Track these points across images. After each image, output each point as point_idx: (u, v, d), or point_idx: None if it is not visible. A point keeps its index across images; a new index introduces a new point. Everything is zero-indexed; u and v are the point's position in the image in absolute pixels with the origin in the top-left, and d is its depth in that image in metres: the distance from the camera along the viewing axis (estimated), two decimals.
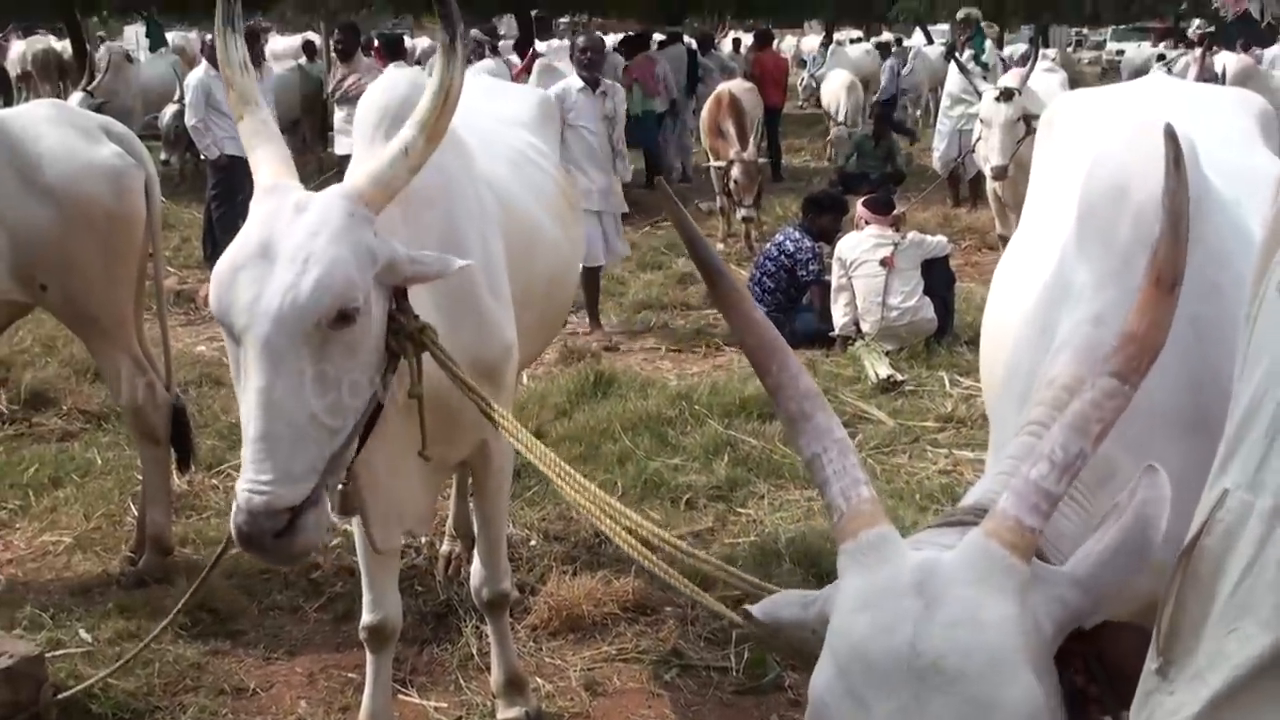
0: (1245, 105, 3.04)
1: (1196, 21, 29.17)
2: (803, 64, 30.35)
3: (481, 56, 12.07)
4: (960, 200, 12.96)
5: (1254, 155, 2.71)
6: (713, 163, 11.49)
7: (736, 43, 24.35)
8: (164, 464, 4.77)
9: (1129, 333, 1.61)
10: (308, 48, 18.59)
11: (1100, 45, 42.49)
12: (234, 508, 2.40)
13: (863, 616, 1.51)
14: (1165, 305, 1.61)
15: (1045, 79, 10.71)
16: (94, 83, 12.35)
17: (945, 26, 24.25)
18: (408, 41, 14.90)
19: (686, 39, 18.17)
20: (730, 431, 6.10)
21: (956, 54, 12.34)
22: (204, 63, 10.45)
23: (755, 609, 1.75)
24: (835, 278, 7.90)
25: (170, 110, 12.31)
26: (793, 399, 1.71)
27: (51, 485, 5.50)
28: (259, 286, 2.34)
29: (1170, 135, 1.66)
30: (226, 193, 9.87)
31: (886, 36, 28.11)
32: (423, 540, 4.81)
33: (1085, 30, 45.25)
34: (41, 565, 4.79)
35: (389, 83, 3.19)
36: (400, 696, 3.90)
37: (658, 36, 19.02)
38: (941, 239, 8.30)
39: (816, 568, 4.51)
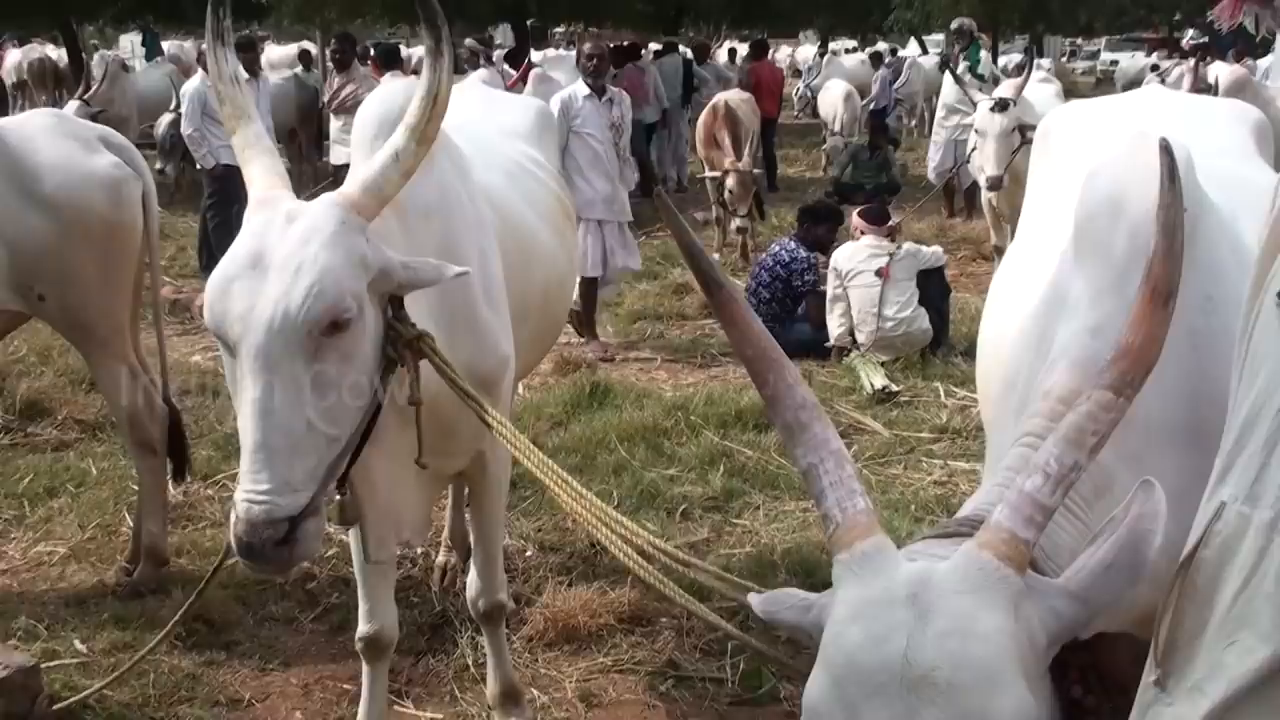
0: (1241, 117, 3.06)
1: (1190, 32, 29.29)
2: (798, 74, 30.46)
3: (476, 66, 12.06)
4: (955, 211, 12.99)
5: (1250, 167, 2.73)
6: (708, 173, 11.50)
7: (732, 53, 24.44)
8: (160, 474, 4.76)
9: (1124, 346, 1.62)
10: (304, 57, 18.67)
11: (1094, 55, 42.71)
12: (233, 518, 2.40)
13: (856, 627, 1.52)
14: (1160, 318, 1.62)
15: (1040, 89, 10.77)
16: (90, 92, 12.37)
17: (940, 37, 24.33)
18: (404, 51, 14.91)
19: (682, 49, 18.22)
20: (726, 442, 6.10)
21: (951, 65, 12.37)
22: (200, 72, 10.48)
23: (756, 604, 1.76)
24: (830, 288, 7.91)
25: (166, 119, 12.31)
26: (790, 409, 1.72)
27: (46, 495, 5.49)
28: (252, 297, 2.35)
29: (1165, 149, 1.67)
30: (222, 202, 9.88)
31: (881, 46, 28.19)
32: (418, 551, 4.80)
33: (1079, 41, 45.45)
34: (36, 576, 4.78)
35: (386, 93, 3.20)
36: (396, 708, 3.89)
37: (654, 46, 19.07)
38: (937, 249, 8.32)
39: (812, 579, 4.51)
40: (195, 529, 5.16)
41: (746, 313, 1.80)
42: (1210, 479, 1.52)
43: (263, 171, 2.57)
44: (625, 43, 16.51)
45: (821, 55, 29.03)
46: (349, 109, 10.45)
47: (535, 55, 16.54)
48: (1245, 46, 17.13)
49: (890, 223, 8.36)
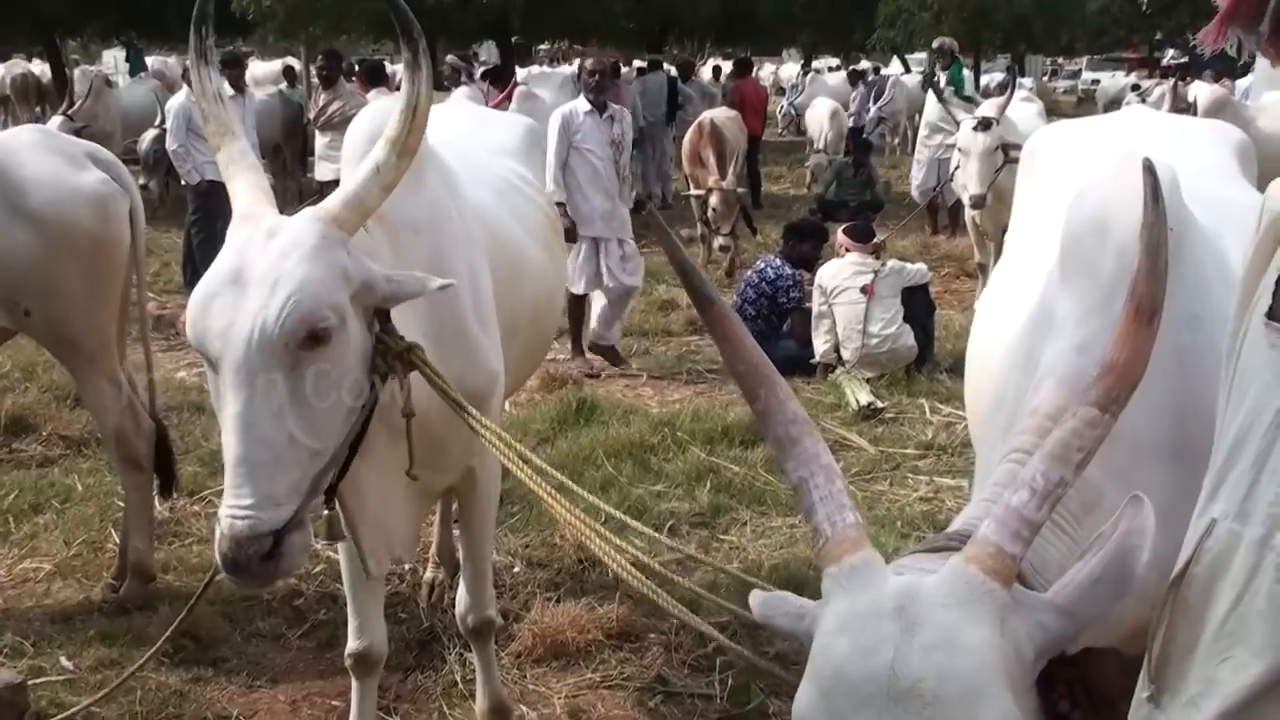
0: (1224, 137, 3.11)
1: (1170, 52, 29.55)
2: (782, 92, 30.60)
3: (458, 83, 12.06)
4: (939, 228, 13.06)
5: (1233, 187, 2.76)
6: (692, 191, 11.53)
7: (717, 70, 24.54)
8: (146, 490, 4.75)
9: (1109, 363, 1.64)
10: (288, 73, 18.67)
11: (1075, 75, 43.06)
12: (217, 534, 2.40)
13: (844, 639, 1.54)
14: (1144, 335, 1.64)
15: (1022, 108, 10.83)
16: (74, 107, 12.36)
17: (923, 55, 24.49)
18: (389, 67, 14.92)
19: (667, 66, 18.28)
20: (713, 458, 6.12)
21: (934, 84, 12.45)
22: (185, 88, 10.47)
23: (755, 604, 1.77)
24: (816, 305, 7.94)
25: (150, 135, 12.32)
26: (780, 424, 1.74)
27: (31, 511, 5.47)
28: (232, 312, 2.35)
29: (1149, 169, 1.70)
30: (207, 218, 9.87)
31: (865, 64, 28.35)
32: (406, 567, 4.80)
33: (1061, 60, 45.79)
34: (22, 592, 4.76)
35: (377, 110, 3.22)
36: None
37: (638, 63, 19.13)
38: (921, 267, 8.37)
39: (800, 594, 4.51)
40: (181, 545, 5.15)
41: (738, 328, 1.82)
42: (1200, 496, 1.54)
43: (247, 187, 2.58)
44: (612, 60, 16.54)
45: (805, 73, 29.20)
46: (335, 125, 10.48)
47: (520, 73, 16.57)
48: (1224, 68, 17.30)
49: (875, 240, 8.40)
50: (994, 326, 2.70)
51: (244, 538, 2.35)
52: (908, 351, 7.71)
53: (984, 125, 8.83)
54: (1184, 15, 36.38)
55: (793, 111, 25.62)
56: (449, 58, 13.91)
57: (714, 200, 10.73)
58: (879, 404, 7.09)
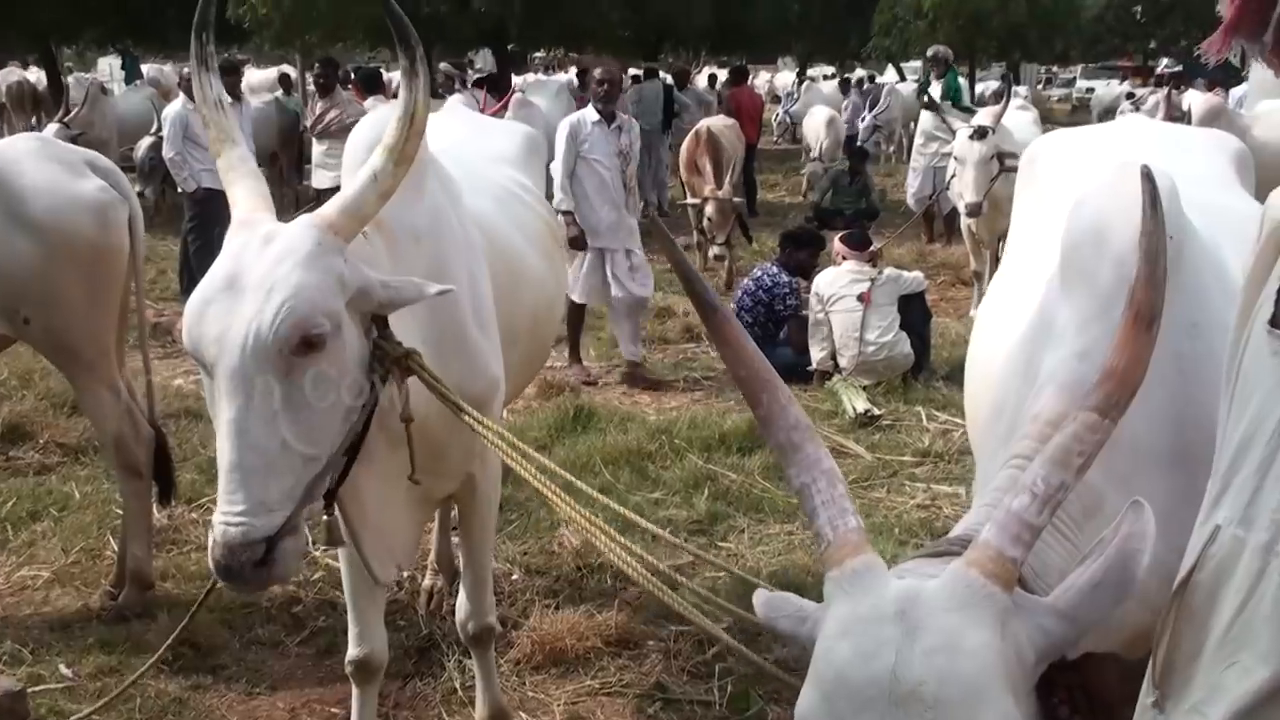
0: (1222, 146, 3.12)
1: (1165, 60, 29.65)
2: (777, 100, 30.67)
3: (451, 91, 12.05)
4: (935, 236, 13.09)
5: (1231, 195, 2.78)
6: (689, 200, 11.52)
7: (712, 78, 24.59)
8: (145, 498, 4.75)
9: (1109, 369, 1.65)
10: (284, 81, 18.66)
11: (1070, 83, 43.14)
12: (210, 540, 2.41)
13: (846, 643, 1.54)
14: (1144, 341, 1.65)
15: (1017, 116, 10.87)
16: (70, 115, 12.36)
17: (918, 64, 24.56)
18: (385, 75, 14.94)
19: (662, 74, 18.32)
20: (710, 466, 6.13)
21: (930, 92, 12.49)
22: (181, 96, 10.47)
23: (759, 603, 1.78)
24: (812, 313, 7.96)
25: (145, 143, 12.32)
26: (783, 430, 1.75)
27: (29, 519, 5.46)
28: (227, 318, 2.36)
29: (1147, 176, 1.71)
30: (203, 225, 9.87)
31: (861, 73, 28.43)
32: (404, 574, 4.80)
33: (1055, 68, 45.90)
34: (20, 600, 4.76)
35: (377, 118, 3.24)
36: None
37: (633, 71, 19.14)
38: (918, 275, 8.38)
39: None
40: (180, 553, 5.15)
41: (741, 334, 1.83)
42: (1204, 502, 1.54)
43: (246, 194, 2.59)
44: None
45: (800, 81, 29.27)
46: (332, 133, 10.48)
47: (515, 80, 16.57)
48: (1218, 77, 17.36)
49: (871, 248, 8.42)
50: (994, 334, 2.70)
51: (236, 544, 2.35)
52: (904, 359, 7.73)
53: (980, 134, 8.88)
54: (1178, 24, 36.56)
55: (788, 120, 25.69)
56: (442, 65, 13.91)
57: (710, 210, 10.73)
58: (876, 411, 7.11)
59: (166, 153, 10.27)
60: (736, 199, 11.17)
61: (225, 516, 2.36)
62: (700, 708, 4.04)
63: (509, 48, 20.99)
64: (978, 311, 3.20)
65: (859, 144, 17.17)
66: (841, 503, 1.70)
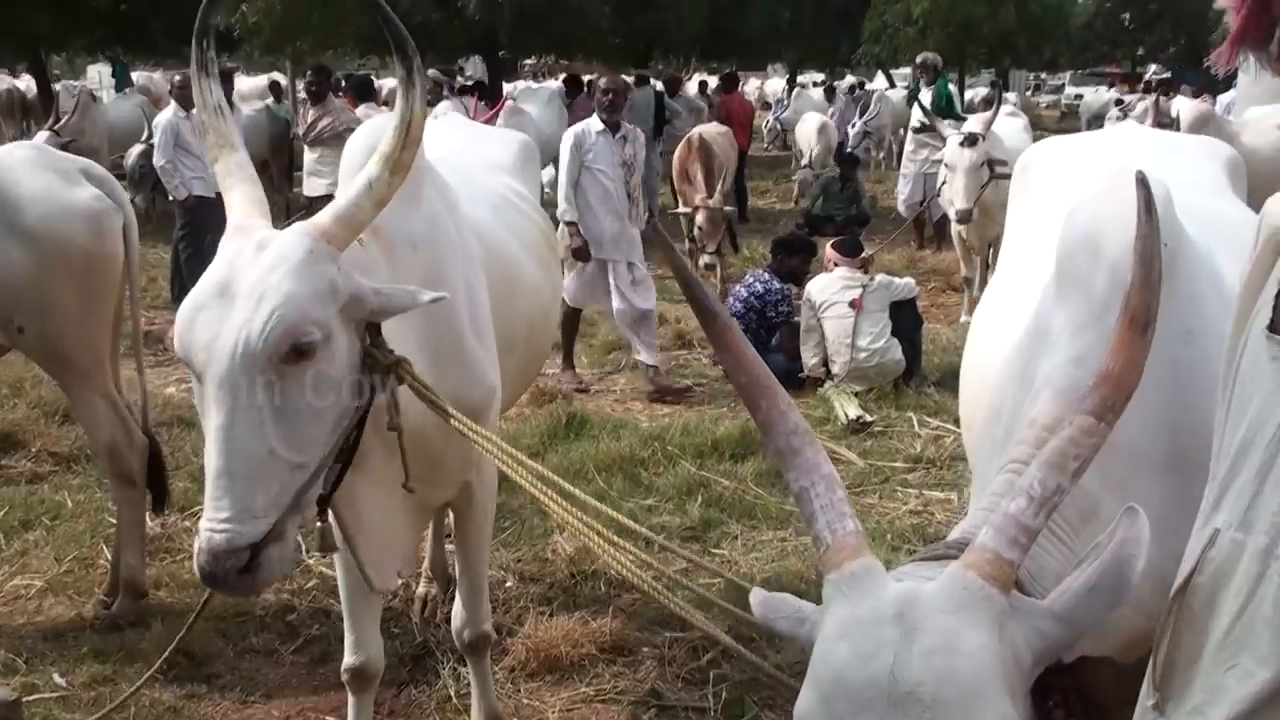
0: (1215, 153, 3.14)
1: (1153, 67, 29.79)
2: (767, 106, 30.72)
3: (439, 98, 12.05)
4: (925, 243, 13.12)
5: (1225, 202, 2.80)
6: (680, 208, 11.51)
7: (703, 85, 24.64)
8: (139, 506, 4.74)
9: (1104, 373, 1.67)
10: (274, 88, 18.67)
11: (1059, 90, 43.35)
12: (196, 546, 2.41)
13: (844, 644, 1.55)
14: (1139, 345, 1.66)
15: (1007, 123, 10.92)
16: (60, 123, 12.32)
17: (908, 70, 24.63)
18: (375, 82, 14.96)
19: (653, 81, 18.33)
20: (703, 472, 6.14)
21: (920, 99, 12.53)
22: (172, 103, 10.45)
23: (756, 604, 1.78)
24: (804, 319, 7.98)
25: (136, 150, 12.27)
26: (782, 435, 1.77)
27: (21, 528, 5.45)
28: (217, 325, 2.36)
29: (1142, 183, 1.73)
30: (194, 233, 9.87)
31: (849, 79, 28.49)
32: (399, 582, 4.80)
33: (1044, 75, 46.11)
34: (13, 609, 4.74)
35: (373, 127, 3.24)
36: None
37: (624, 78, 19.14)
38: (909, 281, 8.41)
39: None
40: (173, 561, 5.14)
41: (740, 340, 1.84)
42: (1202, 507, 1.56)
43: (242, 199, 2.60)
44: (594, 75, 16.59)
45: (791, 88, 29.32)
46: (325, 140, 10.47)
47: (507, 87, 16.58)
48: (1206, 83, 17.45)
49: (863, 255, 8.45)
50: (990, 340, 2.72)
51: (221, 551, 2.35)
52: (896, 365, 7.75)
53: (970, 141, 8.91)
54: (1166, 31, 36.75)
55: (778, 126, 25.74)
56: (430, 72, 13.92)
57: (700, 218, 10.71)
58: (867, 417, 7.12)
59: (157, 160, 10.26)
60: (728, 208, 11.16)
61: (210, 523, 2.36)
62: (695, 714, 4.04)
63: (500, 55, 20.98)
64: (971, 318, 3.20)
65: (849, 150, 17.22)
66: (840, 507, 1.71)
